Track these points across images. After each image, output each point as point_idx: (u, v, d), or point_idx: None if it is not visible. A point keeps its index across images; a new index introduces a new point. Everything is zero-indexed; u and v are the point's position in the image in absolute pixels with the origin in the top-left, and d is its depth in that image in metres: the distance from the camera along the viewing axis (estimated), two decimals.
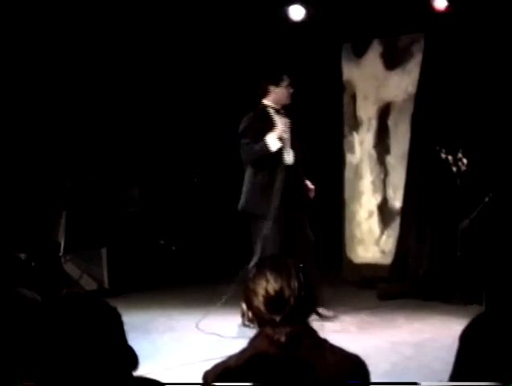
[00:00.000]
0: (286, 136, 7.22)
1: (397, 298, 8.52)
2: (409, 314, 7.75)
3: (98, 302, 2.30)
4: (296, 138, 7.45)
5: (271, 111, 7.28)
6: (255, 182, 7.30)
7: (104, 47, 9.79)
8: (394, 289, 8.80)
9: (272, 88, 7.32)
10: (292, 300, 2.65)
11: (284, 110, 7.39)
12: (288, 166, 7.26)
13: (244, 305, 2.74)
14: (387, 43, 9.65)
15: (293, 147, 7.36)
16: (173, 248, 10.46)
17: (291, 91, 7.36)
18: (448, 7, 8.48)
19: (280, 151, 7.18)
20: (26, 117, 9.19)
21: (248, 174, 7.36)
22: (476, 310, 7.00)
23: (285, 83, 7.34)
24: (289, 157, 7.30)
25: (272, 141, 7.09)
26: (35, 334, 2.21)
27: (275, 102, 7.32)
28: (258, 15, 9.39)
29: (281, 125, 7.15)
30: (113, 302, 2.34)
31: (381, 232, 9.69)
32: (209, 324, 7.32)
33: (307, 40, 9.77)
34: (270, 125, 7.20)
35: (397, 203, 9.53)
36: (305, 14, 9.14)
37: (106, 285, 9.25)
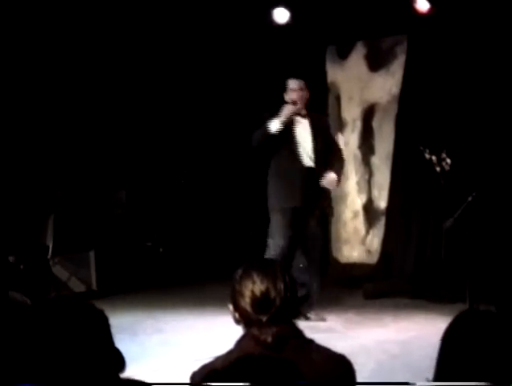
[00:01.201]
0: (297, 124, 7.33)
1: (383, 297, 8.56)
2: (395, 313, 7.78)
3: (85, 305, 2.31)
4: (321, 139, 7.48)
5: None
6: (270, 176, 7.45)
7: (95, 54, 9.82)
8: (379, 288, 8.84)
9: (285, 95, 7.47)
10: (278, 301, 2.68)
11: (304, 113, 7.47)
12: (305, 166, 7.34)
13: (231, 307, 2.78)
14: (371, 45, 9.71)
15: (316, 148, 7.40)
16: (161, 249, 10.48)
17: (294, 95, 7.38)
18: (431, 9, 8.54)
19: (293, 149, 7.30)
20: (15, 122, 9.19)
21: (270, 172, 7.52)
22: (460, 308, 7.05)
23: (289, 88, 7.45)
24: (304, 156, 7.37)
25: (273, 123, 7.16)
26: (23, 336, 2.24)
27: None
28: (242, 18, 9.43)
29: (288, 109, 7.22)
30: (100, 304, 2.37)
31: (367, 232, 9.75)
32: (198, 325, 7.37)
33: (292, 43, 9.81)
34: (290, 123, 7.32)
35: (382, 203, 9.60)
36: (289, 17, 9.18)
37: (94, 287, 9.27)
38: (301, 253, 7.42)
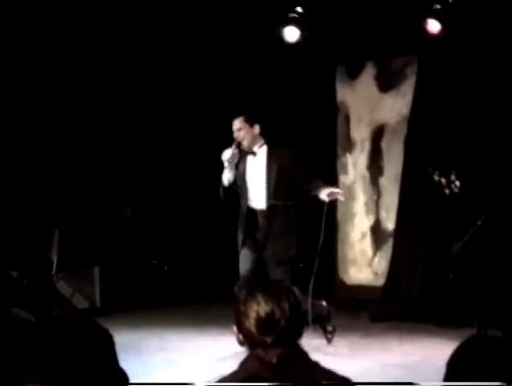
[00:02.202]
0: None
1: (389, 320, 8.51)
2: (400, 337, 7.74)
3: (90, 323, 2.28)
4: (278, 173, 7.09)
5: (244, 151, 7.17)
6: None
7: (94, 66, 9.81)
8: (385, 310, 8.79)
9: None
10: (283, 321, 2.66)
11: (251, 151, 7.15)
12: (251, 207, 7.12)
13: (235, 328, 2.74)
14: (381, 66, 9.70)
15: (269, 182, 7.07)
16: (166, 267, 10.45)
17: (235, 135, 7.12)
18: (442, 30, 8.51)
19: (244, 190, 7.09)
20: (21, 134, 9.17)
21: None
22: (468, 333, 6.99)
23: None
24: (253, 200, 7.13)
25: (224, 175, 7.09)
26: (26, 354, 2.20)
27: None
28: (252, 36, 9.43)
29: (226, 155, 7.01)
30: (104, 321, 2.34)
31: (374, 254, 9.70)
32: (203, 344, 7.32)
33: (302, 62, 9.80)
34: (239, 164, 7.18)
35: (390, 224, 9.55)
36: (300, 36, 9.17)
37: (98, 303, 9.23)
38: None
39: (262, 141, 7.16)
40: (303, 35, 9.16)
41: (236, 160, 7.07)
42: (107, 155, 10.15)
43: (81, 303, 9.11)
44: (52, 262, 8.66)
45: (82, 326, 2.24)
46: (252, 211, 7.10)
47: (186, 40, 9.66)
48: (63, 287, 9.00)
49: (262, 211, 7.08)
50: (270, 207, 7.03)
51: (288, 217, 7.15)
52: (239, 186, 7.14)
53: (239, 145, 7.07)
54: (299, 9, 8.90)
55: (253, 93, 10.25)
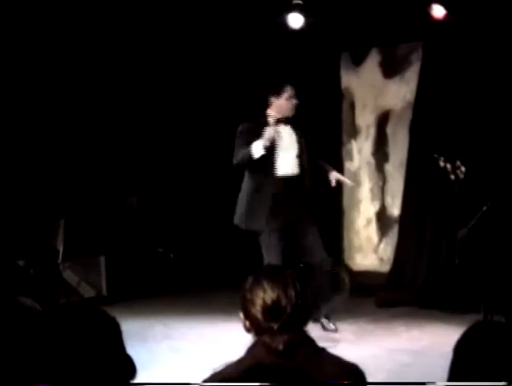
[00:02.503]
0: (279, 143, 7.12)
1: (395, 306, 8.51)
2: (407, 322, 7.74)
3: (97, 311, 2.28)
4: (305, 149, 7.29)
5: (271, 121, 7.16)
6: (244, 194, 7.25)
7: (99, 58, 9.80)
8: (392, 296, 8.79)
9: (273, 100, 7.19)
10: (289, 308, 2.66)
11: (287, 121, 7.21)
12: (285, 178, 7.14)
13: (241, 315, 2.75)
14: (386, 52, 9.67)
15: (300, 157, 7.23)
16: (171, 255, 10.45)
17: (294, 102, 7.18)
18: (447, 16, 8.48)
19: (271, 162, 7.09)
20: (26, 126, 9.18)
21: (243, 181, 7.32)
22: (474, 318, 6.99)
23: (286, 94, 7.17)
24: (283, 167, 7.18)
25: (256, 149, 7.00)
26: (33, 343, 2.21)
27: (277, 113, 7.18)
28: (257, 23, 9.40)
29: (270, 134, 7.02)
30: (110, 310, 2.34)
31: (380, 240, 9.70)
32: (208, 332, 7.33)
33: (306, 48, 9.78)
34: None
35: (395, 210, 9.54)
36: (304, 23, 9.14)
37: (104, 292, 9.25)
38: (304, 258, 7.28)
39: None
40: (307, 22, 9.14)
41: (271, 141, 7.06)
42: (112, 145, 10.14)
43: (88, 292, 9.12)
44: (58, 251, 8.68)
45: (89, 315, 2.25)
46: (279, 180, 7.12)
47: (189, 27, 9.64)
48: (69, 276, 9.02)
49: (292, 178, 7.15)
50: (301, 172, 7.20)
51: (310, 184, 7.30)
52: (265, 156, 7.07)
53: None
54: None
55: (257, 81, 10.23)
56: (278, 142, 7.07)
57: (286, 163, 7.17)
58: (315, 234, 7.20)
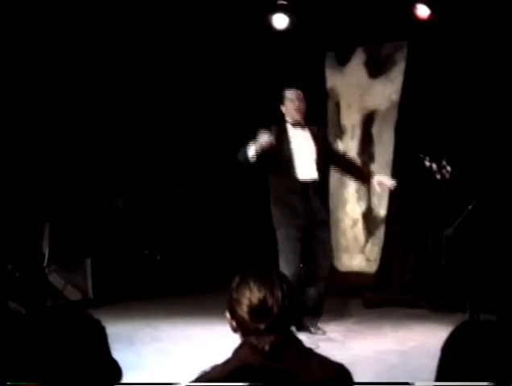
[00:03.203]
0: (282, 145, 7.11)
1: (382, 306, 8.52)
2: (395, 323, 7.74)
3: (82, 315, 2.27)
4: (322, 150, 7.26)
5: (288, 126, 7.19)
6: (270, 192, 7.30)
7: (94, 61, 9.79)
8: (379, 297, 8.79)
9: (282, 106, 7.28)
10: (276, 309, 2.64)
11: (304, 124, 7.24)
12: (305, 182, 7.12)
13: (228, 315, 2.73)
14: (371, 51, 9.68)
15: (317, 161, 7.21)
16: (158, 257, 10.43)
17: (297, 105, 7.19)
18: (431, 15, 8.50)
19: (291, 164, 7.09)
20: (12, 129, 9.13)
21: (269, 187, 7.37)
22: (461, 317, 7.00)
23: (287, 99, 7.23)
24: (302, 171, 7.14)
25: (251, 152, 6.98)
26: (17, 347, 2.19)
27: (290, 118, 7.23)
28: (242, 24, 9.40)
29: (263, 139, 6.89)
30: (97, 313, 2.32)
31: (366, 240, 9.70)
32: (196, 334, 7.31)
33: (291, 48, 9.77)
34: (282, 139, 7.13)
35: (381, 211, 9.55)
36: (289, 23, 9.14)
37: (91, 295, 9.21)
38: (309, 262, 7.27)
39: None
40: (292, 22, 9.14)
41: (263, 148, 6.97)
42: (97, 147, 10.11)
43: (74, 295, 9.09)
44: (44, 255, 8.64)
45: (73, 318, 2.23)
46: (299, 184, 7.10)
47: (174, 29, 9.63)
48: (55, 279, 8.98)
49: (310, 183, 7.15)
50: (319, 177, 7.23)
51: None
52: (280, 161, 7.09)
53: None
54: None
55: (242, 81, 10.22)
56: (292, 147, 7.11)
57: (304, 168, 7.15)
58: (325, 241, 7.33)
